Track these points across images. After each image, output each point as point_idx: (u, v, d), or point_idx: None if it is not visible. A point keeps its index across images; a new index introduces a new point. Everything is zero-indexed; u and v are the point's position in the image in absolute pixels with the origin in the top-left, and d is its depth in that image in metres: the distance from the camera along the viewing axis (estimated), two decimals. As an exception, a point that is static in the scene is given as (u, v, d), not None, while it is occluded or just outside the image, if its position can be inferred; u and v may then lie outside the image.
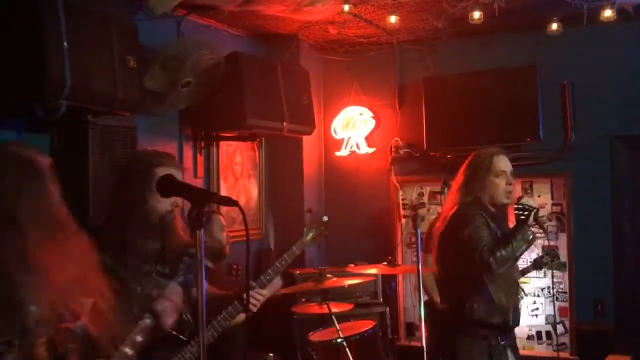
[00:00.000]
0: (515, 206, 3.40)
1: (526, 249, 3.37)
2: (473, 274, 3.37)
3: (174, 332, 2.75)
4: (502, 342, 3.41)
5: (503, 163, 3.52)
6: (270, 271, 3.29)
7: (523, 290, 4.25)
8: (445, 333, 3.54)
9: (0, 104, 3.19)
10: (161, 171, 2.46)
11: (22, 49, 3.01)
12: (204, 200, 1.70)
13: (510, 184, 3.50)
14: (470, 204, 3.45)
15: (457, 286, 3.49)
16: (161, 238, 2.57)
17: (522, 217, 3.36)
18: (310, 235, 3.52)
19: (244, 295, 3.10)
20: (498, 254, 3.27)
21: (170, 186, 1.73)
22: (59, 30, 3.04)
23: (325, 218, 3.57)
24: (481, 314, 3.37)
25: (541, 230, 3.82)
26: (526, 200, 3.41)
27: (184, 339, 2.78)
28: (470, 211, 3.42)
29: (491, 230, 3.38)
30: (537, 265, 4.58)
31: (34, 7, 3.01)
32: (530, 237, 3.35)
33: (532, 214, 3.36)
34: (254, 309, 3.14)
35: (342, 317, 4.18)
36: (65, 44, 3.05)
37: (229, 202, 1.68)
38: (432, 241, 3.68)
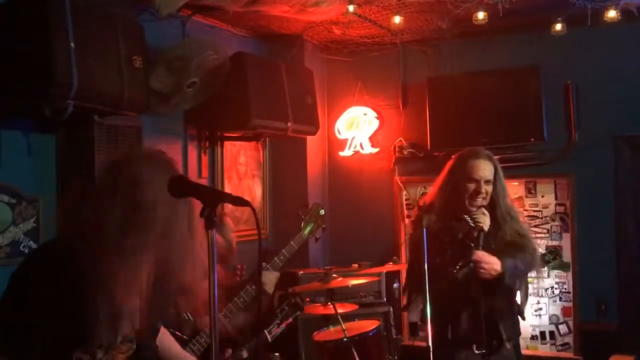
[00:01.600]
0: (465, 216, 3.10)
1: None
2: None
3: (177, 333, 2.76)
4: None
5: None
6: (269, 266, 3.30)
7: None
8: None
9: (7, 104, 3.20)
10: None
11: (30, 49, 3.01)
12: (216, 200, 1.70)
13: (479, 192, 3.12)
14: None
15: None
16: None
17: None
18: (308, 229, 3.50)
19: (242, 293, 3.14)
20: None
21: (182, 186, 1.73)
22: (66, 31, 3.05)
23: (322, 211, 3.54)
24: None
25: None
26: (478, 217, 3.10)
27: (185, 337, 2.79)
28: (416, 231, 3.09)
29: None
30: None
31: (41, 8, 3.03)
32: None
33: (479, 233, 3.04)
34: None
35: (346, 317, 4.17)
36: (72, 44, 3.06)
37: (242, 202, 1.68)
38: None
